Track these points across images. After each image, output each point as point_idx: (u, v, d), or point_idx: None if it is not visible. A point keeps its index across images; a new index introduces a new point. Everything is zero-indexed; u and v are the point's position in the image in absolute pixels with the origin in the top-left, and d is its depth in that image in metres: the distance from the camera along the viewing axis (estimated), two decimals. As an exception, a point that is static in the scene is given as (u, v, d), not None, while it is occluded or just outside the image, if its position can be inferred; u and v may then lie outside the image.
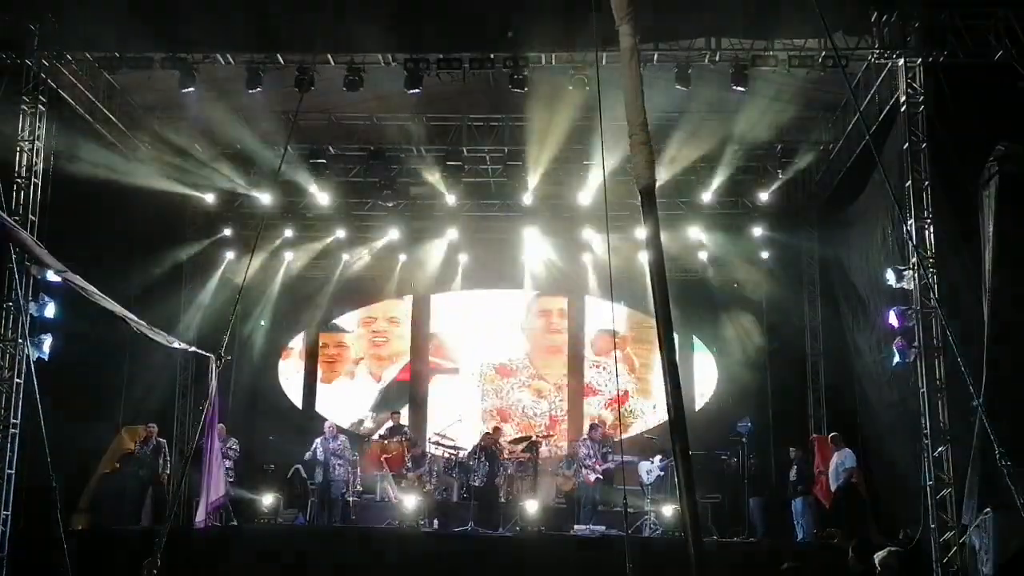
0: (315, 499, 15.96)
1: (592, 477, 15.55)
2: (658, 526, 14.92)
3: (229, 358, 17.01)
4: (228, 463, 15.52)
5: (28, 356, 12.84)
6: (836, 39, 12.91)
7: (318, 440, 16.09)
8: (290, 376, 20.92)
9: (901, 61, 13.28)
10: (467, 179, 17.80)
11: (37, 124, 13.70)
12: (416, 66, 14.08)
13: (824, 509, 15.11)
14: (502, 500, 15.72)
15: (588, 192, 17.47)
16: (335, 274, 20.41)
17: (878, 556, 7.63)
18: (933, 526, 12.28)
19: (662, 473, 15.39)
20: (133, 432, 15.74)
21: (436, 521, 15.36)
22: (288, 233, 19.39)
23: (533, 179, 17.35)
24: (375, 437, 18.55)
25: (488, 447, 16.11)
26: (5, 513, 12.89)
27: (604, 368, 20.52)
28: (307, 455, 16.07)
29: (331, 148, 17.06)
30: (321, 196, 18.03)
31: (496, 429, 17.37)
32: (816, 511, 15.14)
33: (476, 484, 15.59)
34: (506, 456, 16.59)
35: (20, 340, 13.12)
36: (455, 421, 18.55)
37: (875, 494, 15.19)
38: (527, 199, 18.18)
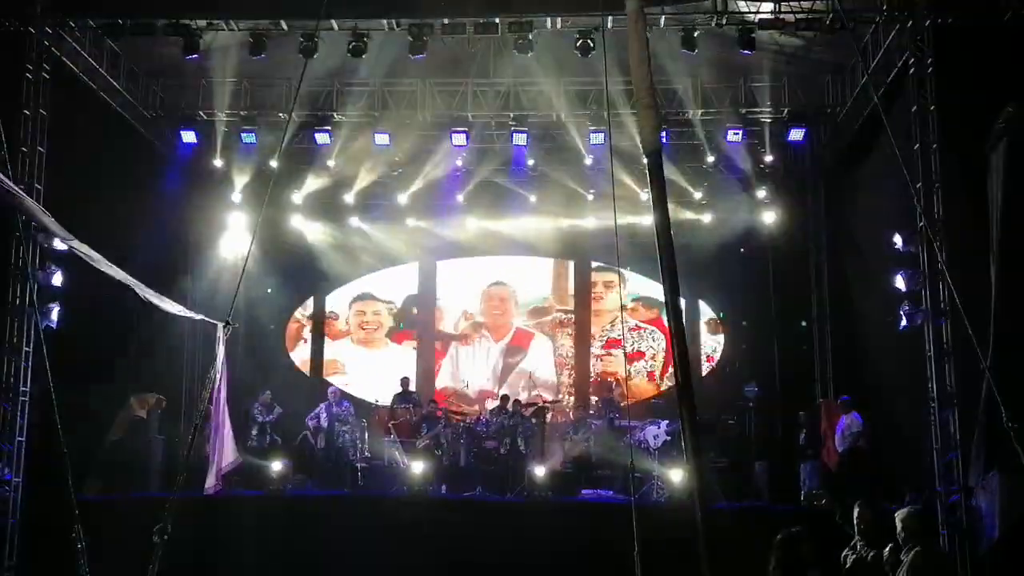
0: (320, 459, 16.08)
1: None
2: (665, 491, 14.96)
3: (236, 325, 17.09)
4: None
5: (36, 324, 12.90)
6: (844, 1, 12.83)
7: (322, 406, 16.15)
8: (298, 343, 20.95)
9: (909, 23, 13.18)
10: (473, 144, 17.75)
11: (41, 91, 13.66)
12: (420, 31, 14.01)
13: (830, 472, 15.15)
14: (509, 463, 15.80)
15: (592, 157, 17.45)
16: (342, 239, 20.39)
17: (899, 515, 7.62)
18: (939, 489, 12.34)
19: (668, 438, 15.43)
20: (142, 399, 15.80)
21: (444, 486, 15.45)
22: (296, 198, 19.36)
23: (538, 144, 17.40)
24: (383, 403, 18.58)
25: (507, 413, 16.26)
26: (17, 480, 13.00)
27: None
28: (310, 421, 16.13)
29: (335, 115, 17.02)
30: (329, 162, 18.05)
31: (506, 397, 17.42)
32: (823, 475, 15.19)
33: (497, 451, 15.83)
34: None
35: (28, 309, 13.16)
36: (462, 386, 18.56)
37: (881, 458, 15.22)
38: (532, 164, 18.19)
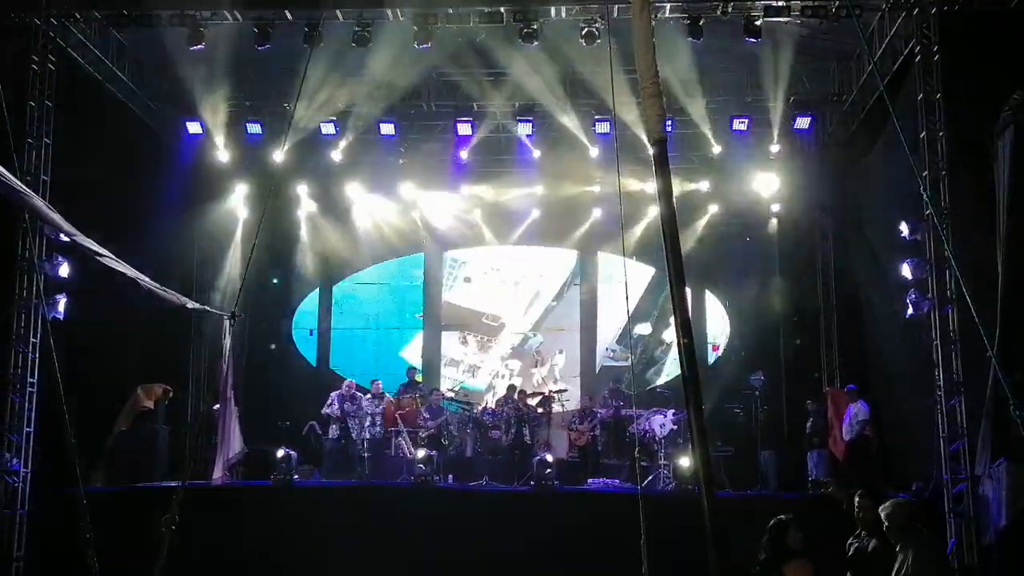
0: (330, 452, 16.09)
1: None
2: (671, 480, 14.97)
3: (242, 316, 17.12)
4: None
5: (44, 316, 12.93)
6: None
7: (334, 395, 16.13)
8: (304, 333, 20.95)
9: (916, 10, 13.13)
10: (479, 134, 17.73)
11: (47, 83, 13.67)
12: (425, 20, 13.99)
13: (837, 461, 15.15)
14: (515, 452, 15.82)
15: (598, 145, 17.42)
16: (348, 230, 20.37)
17: (882, 510, 7.51)
18: (946, 478, 12.32)
19: (675, 427, 15.43)
20: (149, 390, 15.83)
21: (451, 476, 15.48)
22: (302, 189, 19.35)
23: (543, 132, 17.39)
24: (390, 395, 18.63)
25: (513, 403, 16.31)
26: (25, 471, 13.05)
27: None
28: (324, 409, 16.14)
29: (342, 105, 17.01)
30: (336, 152, 18.04)
31: (512, 387, 17.43)
32: (830, 463, 15.18)
33: (503, 441, 15.93)
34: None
35: (35, 300, 13.19)
36: (466, 375, 18.60)
37: (887, 446, 15.22)
38: (537, 153, 18.16)
